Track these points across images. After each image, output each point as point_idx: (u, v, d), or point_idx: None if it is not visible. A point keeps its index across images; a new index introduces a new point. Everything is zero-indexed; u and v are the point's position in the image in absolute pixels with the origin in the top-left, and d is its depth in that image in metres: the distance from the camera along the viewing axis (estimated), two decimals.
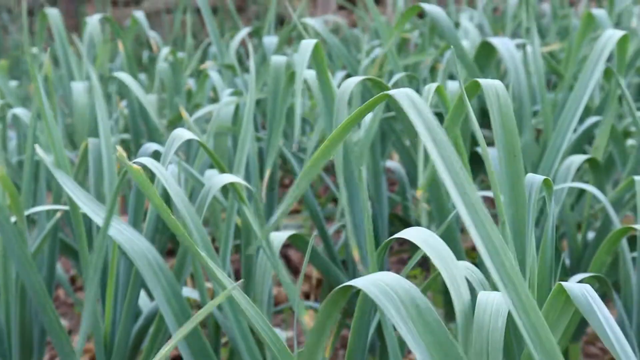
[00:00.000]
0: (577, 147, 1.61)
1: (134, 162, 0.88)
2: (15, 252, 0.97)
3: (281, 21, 4.55)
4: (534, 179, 0.78)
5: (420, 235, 0.73)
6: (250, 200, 1.22)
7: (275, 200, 1.81)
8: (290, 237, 1.20)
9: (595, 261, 0.97)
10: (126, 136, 2.09)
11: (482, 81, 0.97)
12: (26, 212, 1.07)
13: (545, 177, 0.78)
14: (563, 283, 0.68)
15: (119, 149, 0.65)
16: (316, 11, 3.99)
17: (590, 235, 1.47)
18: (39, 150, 0.82)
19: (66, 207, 1.11)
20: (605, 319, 0.66)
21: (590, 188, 1.17)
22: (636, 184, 0.87)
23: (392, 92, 0.71)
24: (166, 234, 1.53)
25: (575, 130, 1.61)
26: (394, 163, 1.91)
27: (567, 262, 1.44)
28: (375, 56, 2.10)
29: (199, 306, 1.60)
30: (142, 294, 1.25)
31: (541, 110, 1.38)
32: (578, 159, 1.29)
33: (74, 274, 2.13)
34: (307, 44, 1.11)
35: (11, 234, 0.96)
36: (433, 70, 2.13)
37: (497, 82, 0.97)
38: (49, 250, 1.24)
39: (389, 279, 0.61)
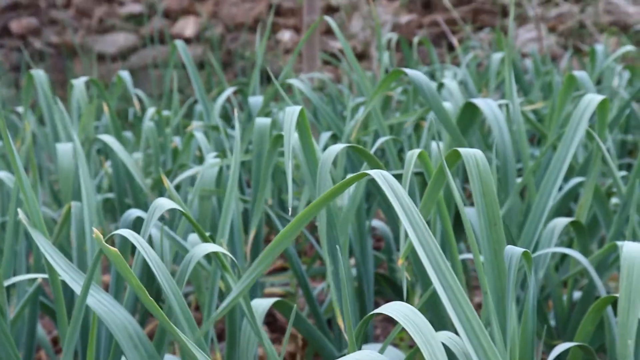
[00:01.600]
0: (563, 206, 1.62)
1: (115, 233, 0.88)
2: None
3: (267, 76, 4.59)
4: (513, 250, 0.78)
5: (400, 310, 0.73)
6: (234, 267, 1.21)
7: (262, 249, 1.80)
8: (275, 304, 1.19)
9: (580, 331, 0.96)
10: (111, 195, 2.09)
11: (462, 151, 0.97)
12: (6, 283, 1.06)
13: (524, 249, 0.78)
14: None
15: (96, 231, 0.64)
16: (301, 66, 4.04)
17: (576, 294, 1.47)
18: (21, 214, 0.81)
19: (45, 275, 1.10)
20: None
21: (572, 253, 1.17)
22: (619, 249, 0.87)
23: (369, 172, 0.71)
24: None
25: (560, 189, 1.62)
26: (379, 223, 1.91)
27: (553, 323, 1.43)
28: (360, 115, 2.11)
29: None
30: None
31: (524, 170, 1.39)
32: (562, 221, 1.29)
33: (56, 334, 2.11)
34: (292, 111, 1.12)
35: None
36: (418, 127, 2.15)
37: (477, 152, 0.97)
38: (29, 313, 1.22)
39: (370, 357, 0.60)
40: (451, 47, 4.55)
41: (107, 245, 0.63)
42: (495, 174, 1.35)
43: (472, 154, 0.97)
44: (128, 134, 2.65)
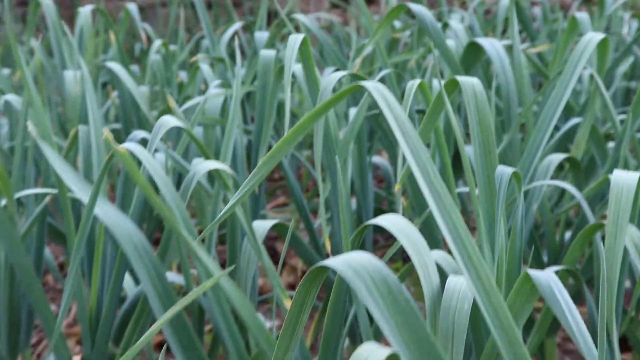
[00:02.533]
0: (561, 147, 1.65)
1: (121, 146, 0.91)
2: (5, 233, 1.00)
3: (275, 17, 4.57)
4: (504, 170, 0.81)
5: (394, 222, 0.76)
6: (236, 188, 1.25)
7: (263, 194, 1.84)
8: (275, 227, 1.23)
9: (569, 256, 1.00)
10: (117, 126, 2.12)
11: (460, 79, 1.00)
12: (16, 195, 1.10)
13: (514, 169, 0.81)
14: (529, 270, 0.71)
15: (106, 131, 0.67)
16: (309, 8, 4.02)
17: (569, 234, 1.50)
18: (30, 126, 0.84)
19: (55, 190, 1.13)
20: (567, 306, 0.69)
21: (566, 185, 1.20)
22: (611, 181, 0.90)
23: (364, 83, 0.74)
24: (152, 224, 1.56)
25: (558, 129, 1.64)
26: (381, 159, 1.94)
27: (546, 259, 1.47)
28: (365, 54, 2.13)
29: (184, 293, 1.62)
30: (128, 278, 1.28)
31: (523, 109, 1.41)
32: (557, 157, 1.32)
33: (63, 260, 2.16)
34: (295, 38, 1.14)
35: (1, 216, 0.99)
36: (420, 69, 2.16)
37: (474, 80, 1.00)
38: (37, 233, 1.26)
39: (361, 258, 0.63)
40: None
41: (117, 145, 0.65)
42: (494, 113, 1.37)
43: (470, 83, 0.99)
44: (134, 68, 2.67)
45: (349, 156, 1.43)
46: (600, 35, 1.28)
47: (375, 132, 1.92)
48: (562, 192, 1.62)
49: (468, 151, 1.55)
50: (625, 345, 1.74)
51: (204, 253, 0.74)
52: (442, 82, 1.04)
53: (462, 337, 0.71)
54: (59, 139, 2.19)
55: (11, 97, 1.53)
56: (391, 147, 1.80)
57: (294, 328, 0.67)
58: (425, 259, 0.75)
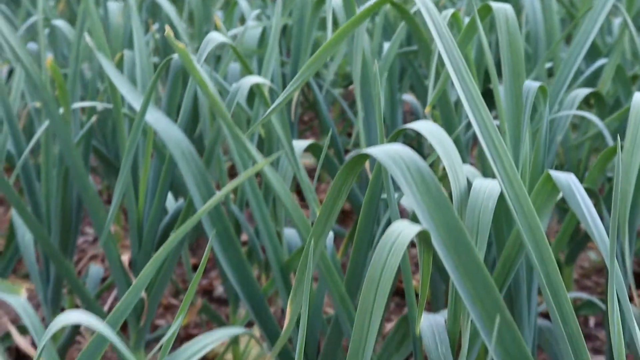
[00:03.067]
0: (588, 86, 1.69)
1: (176, 54, 0.98)
2: (62, 137, 1.08)
3: None
4: (531, 85, 0.87)
5: (427, 127, 0.82)
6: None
7: (296, 128, 1.90)
8: (309, 147, 1.29)
9: (589, 176, 1.06)
10: (156, 60, 2.18)
11: (493, 4, 1.05)
12: (73, 106, 1.17)
13: (540, 83, 0.87)
14: (550, 171, 0.77)
15: (167, 28, 0.74)
16: None
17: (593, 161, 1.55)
18: (87, 38, 0.91)
19: (108, 105, 1.20)
20: (585, 204, 0.75)
21: (588, 115, 1.25)
22: (632, 102, 0.96)
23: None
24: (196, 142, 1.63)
25: (585, 70, 1.68)
26: (410, 97, 2.00)
27: None
28: None
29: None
30: (169, 196, 1.36)
31: (551, 47, 1.46)
32: (583, 92, 1.37)
33: (101, 188, 2.25)
34: None
35: (59, 119, 1.06)
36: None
37: (507, 6, 1.05)
38: (84, 145, 1.34)
39: (399, 148, 0.70)
40: None
41: (175, 40, 0.72)
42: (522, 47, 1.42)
43: (502, 8, 1.04)
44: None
45: (381, 88, 1.49)
46: None
47: (407, 71, 1.98)
48: (587, 132, 1.67)
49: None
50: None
51: (248, 142, 0.81)
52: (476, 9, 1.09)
53: (485, 231, 0.78)
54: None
55: (59, 22, 1.60)
56: (420, 84, 1.85)
57: (329, 213, 0.73)
58: (454, 161, 0.81)
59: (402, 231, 0.65)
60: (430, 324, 0.84)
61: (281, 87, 1.67)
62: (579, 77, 1.71)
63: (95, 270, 1.56)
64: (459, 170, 0.81)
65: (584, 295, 1.36)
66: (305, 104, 2.45)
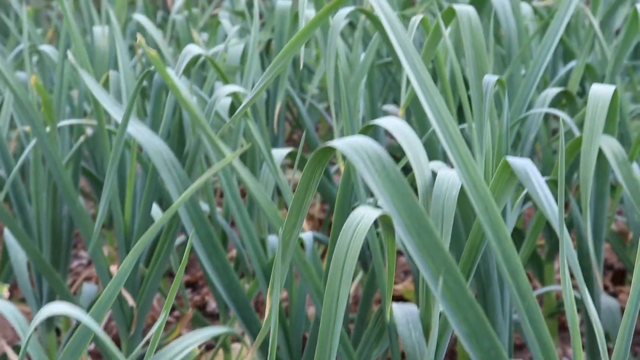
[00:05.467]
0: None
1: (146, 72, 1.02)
2: (49, 155, 1.12)
3: None
4: (490, 78, 0.92)
5: (392, 122, 0.87)
6: (256, 119, 1.36)
7: (281, 138, 1.95)
8: (289, 155, 1.34)
9: (556, 168, 1.10)
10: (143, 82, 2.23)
11: (457, 7, 1.10)
12: (58, 124, 1.22)
13: (499, 76, 0.92)
14: (508, 157, 0.82)
15: (139, 36, 0.78)
16: None
17: None
18: (70, 55, 0.95)
19: (94, 122, 1.25)
20: (539, 185, 0.79)
21: (557, 112, 1.30)
22: (590, 93, 1.00)
23: (371, 1, 0.84)
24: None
25: (557, 72, 1.73)
26: (392, 107, 2.04)
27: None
28: None
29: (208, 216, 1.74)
30: (156, 207, 1.40)
31: (519, 50, 1.51)
32: (553, 91, 1.42)
33: (94, 212, 2.29)
34: None
35: (45, 138, 1.11)
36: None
37: (469, 8, 1.10)
38: (73, 166, 1.38)
39: (361, 141, 0.74)
40: None
41: (148, 48, 0.76)
42: (492, 50, 1.47)
43: (465, 10, 1.09)
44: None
45: (359, 97, 1.54)
46: None
47: (387, 81, 2.02)
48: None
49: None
50: (621, 278, 1.84)
51: (225, 148, 0.86)
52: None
53: (450, 219, 0.82)
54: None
55: (46, 48, 1.65)
56: (399, 92, 1.90)
57: (300, 207, 0.77)
58: (419, 153, 0.85)
59: (365, 215, 0.69)
60: (405, 313, 0.88)
61: (264, 101, 1.71)
62: (555, 77, 1.76)
63: (89, 288, 1.59)
64: (423, 162, 0.86)
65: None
66: (293, 123, 2.50)
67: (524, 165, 0.80)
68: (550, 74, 1.85)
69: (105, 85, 1.59)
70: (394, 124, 0.86)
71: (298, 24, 1.69)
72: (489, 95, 0.89)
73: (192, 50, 1.08)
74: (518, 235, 1.42)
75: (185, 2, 2.33)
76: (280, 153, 1.28)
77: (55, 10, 2.44)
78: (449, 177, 0.84)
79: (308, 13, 1.55)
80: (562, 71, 1.69)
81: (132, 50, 2.59)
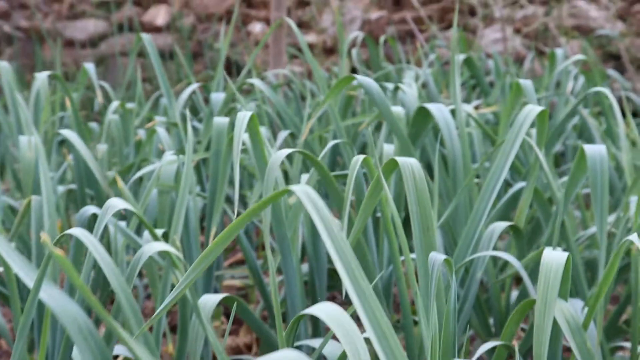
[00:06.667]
0: (507, 213, 1.69)
1: (67, 232, 0.93)
2: None
3: (238, 68, 4.62)
4: (436, 257, 0.85)
5: (326, 310, 0.79)
6: (189, 262, 1.27)
7: (222, 259, 1.86)
8: (224, 300, 1.25)
9: (506, 331, 1.03)
10: (74, 186, 2.13)
11: (400, 160, 1.04)
12: None
13: (445, 256, 0.85)
14: None
15: (43, 235, 0.70)
16: (269, 59, 4.07)
17: (515, 294, 1.54)
18: None
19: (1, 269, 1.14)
20: None
21: (505, 255, 1.24)
22: (543, 256, 0.94)
23: (292, 187, 0.77)
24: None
25: (503, 195, 1.69)
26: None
27: (492, 321, 1.51)
28: (320, 114, 2.17)
29: None
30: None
31: (465, 180, 1.46)
32: (500, 225, 1.36)
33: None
34: (242, 116, 1.17)
35: None
36: (380, 125, 2.21)
37: (412, 160, 1.04)
38: None
39: (291, 356, 0.66)
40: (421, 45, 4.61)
41: (55, 248, 0.68)
42: (437, 182, 1.41)
43: (408, 163, 1.03)
44: (95, 125, 2.68)
45: (299, 224, 1.46)
46: (538, 108, 1.34)
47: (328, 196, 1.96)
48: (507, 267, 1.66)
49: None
50: None
51: (141, 350, 0.76)
52: (394, 153, 1.08)
53: None
54: (13, 199, 2.19)
55: None
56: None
57: None
58: (357, 345, 0.77)
59: None
60: None
61: (198, 221, 1.63)
62: (502, 197, 1.72)
63: None
64: (361, 353, 0.78)
65: None
66: None
67: None
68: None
69: (27, 210, 1.49)
70: (330, 312, 0.78)
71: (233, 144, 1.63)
72: (435, 277, 0.82)
73: (116, 204, 0.99)
74: None
75: (120, 103, 2.25)
76: (212, 300, 1.19)
77: None
78: None
79: (245, 136, 1.48)
80: (509, 192, 1.64)
81: (64, 144, 2.49)
